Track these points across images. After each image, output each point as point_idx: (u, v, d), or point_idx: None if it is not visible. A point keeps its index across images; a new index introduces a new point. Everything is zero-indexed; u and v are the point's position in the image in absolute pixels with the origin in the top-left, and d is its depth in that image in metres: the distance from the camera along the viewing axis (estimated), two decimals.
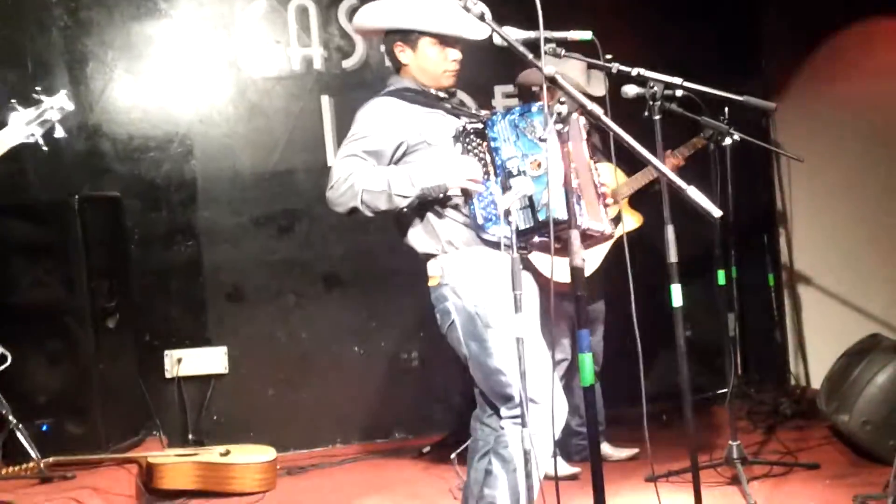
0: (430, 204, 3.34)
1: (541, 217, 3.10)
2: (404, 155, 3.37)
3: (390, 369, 5.97)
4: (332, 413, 5.94)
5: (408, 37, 3.44)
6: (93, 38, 5.64)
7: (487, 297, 3.31)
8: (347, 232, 5.93)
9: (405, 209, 3.30)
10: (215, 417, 5.79)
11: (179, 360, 5.71)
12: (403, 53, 3.45)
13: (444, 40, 3.42)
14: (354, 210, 3.30)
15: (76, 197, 4.99)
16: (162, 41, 5.73)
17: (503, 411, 3.35)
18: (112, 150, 5.68)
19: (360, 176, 3.26)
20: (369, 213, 3.30)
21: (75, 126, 5.54)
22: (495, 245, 3.28)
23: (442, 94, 3.48)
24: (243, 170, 5.87)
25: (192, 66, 5.78)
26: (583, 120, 3.35)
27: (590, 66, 4.26)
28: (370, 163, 3.30)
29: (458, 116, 3.41)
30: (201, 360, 5.75)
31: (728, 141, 4.52)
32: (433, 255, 3.38)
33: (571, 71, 4.59)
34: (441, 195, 3.28)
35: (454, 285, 3.34)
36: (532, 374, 3.25)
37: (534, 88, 4.85)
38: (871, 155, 5.78)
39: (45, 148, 3.58)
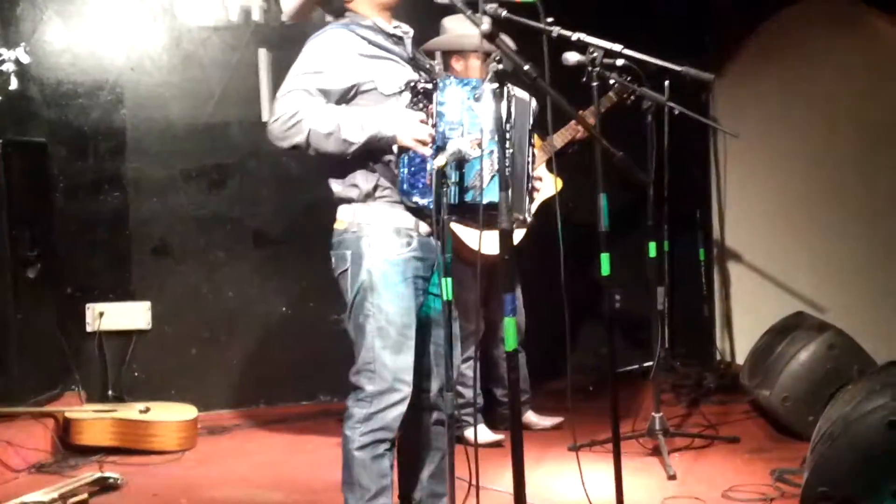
0: (365, 156, 3.26)
1: (467, 199, 3.05)
2: (354, 97, 3.27)
3: (318, 331, 5.89)
4: (256, 373, 5.87)
5: None
6: None
7: (385, 266, 3.25)
8: (279, 189, 5.84)
9: (348, 155, 3.21)
10: (136, 374, 5.69)
11: (101, 314, 5.59)
12: None
13: None
14: (296, 147, 3.18)
15: (0, 141, 4.85)
16: None
17: (353, 386, 3.31)
18: (40, 94, 5.51)
19: (308, 113, 3.14)
20: (312, 153, 3.19)
21: (2, 67, 5.37)
22: (416, 212, 3.23)
23: (399, 34, 3.39)
24: (175, 121, 5.74)
25: (126, 12, 5.63)
26: (534, 103, 3.30)
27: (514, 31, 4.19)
28: (319, 100, 3.20)
29: (413, 67, 3.33)
30: (124, 314, 5.64)
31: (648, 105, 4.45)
32: (348, 201, 3.31)
33: (469, 28, 4.51)
34: (386, 146, 3.20)
35: (359, 238, 3.27)
36: (401, 356, 3.24)
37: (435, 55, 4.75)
38: (805, 135, 5.82)
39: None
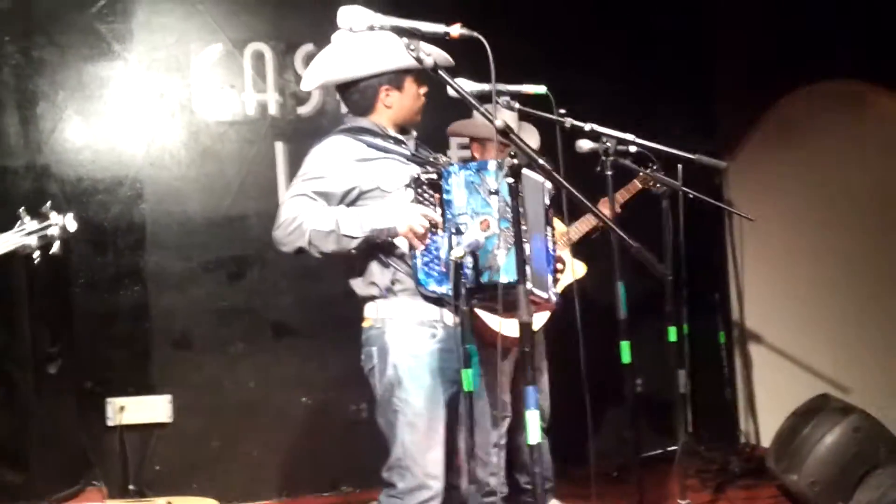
0: (375, 251, 3.29)
1: (483, 280, 3.07)
2: (357, 199, 3.32)
3: (338, 421, 5.87)
4: (278, 465, 5.83)
5: (398, 79, 3.39)
6: (44, 78, 5.56)
7: (410, 360, 3.26)
8: (298, 280, 5.86)
9: (353, 251, 3.24)
10: (158, 468, 5.65)
11: (122, 408, 5.57)
12: (390, 97, 3.41)
13: (419, 76, 3.40)
14: (301, 250, 3.24)
15: None
16: (114, 83, 5.67)
17: (386, 483, 3.29)
18: (60, 191, 5.58)
19: (308, 216, 3.21)
20: (316, 254, 3.24)
21: (23, 166, 5.46)
22: (436, 301, 3.25)
23: (400, 137, 3.44)
24: (194, 214, 5.79)
25: (145, 109, 5.72)
26: (549, 184, 3.33)
27: (531, 119, 4.23)
28: (320, 203, 3.25)
29: (416, 163, 3.37)
30: (145, 408, 5.63)
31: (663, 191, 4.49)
32: (371, 298, 3.33)
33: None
34: (389, 239, 3.23)
35: (383, 333, 3.29)
36: (431, 451, 3.22)
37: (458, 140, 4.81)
38: (820, 214, 5.83)
39: (37, 261, 3.56)
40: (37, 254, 3.53)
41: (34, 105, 5.55)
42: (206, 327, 5.80)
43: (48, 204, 3.64)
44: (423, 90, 3.45)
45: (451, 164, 3.25)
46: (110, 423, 5.59)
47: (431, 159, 3.43)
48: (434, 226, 3.17)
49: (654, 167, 4.23)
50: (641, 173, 4.42)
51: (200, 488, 5.51)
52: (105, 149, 5.67)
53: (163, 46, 5.74)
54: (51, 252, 3.55)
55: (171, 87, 5.76)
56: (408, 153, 3.40)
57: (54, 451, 4.99)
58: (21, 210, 3.53)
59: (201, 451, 5.73)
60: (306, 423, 5.91)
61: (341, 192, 3.29)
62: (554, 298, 3.34)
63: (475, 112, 4.72)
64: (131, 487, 5.54)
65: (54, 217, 3.56)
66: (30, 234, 3.50)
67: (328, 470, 5.92)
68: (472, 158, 4.82)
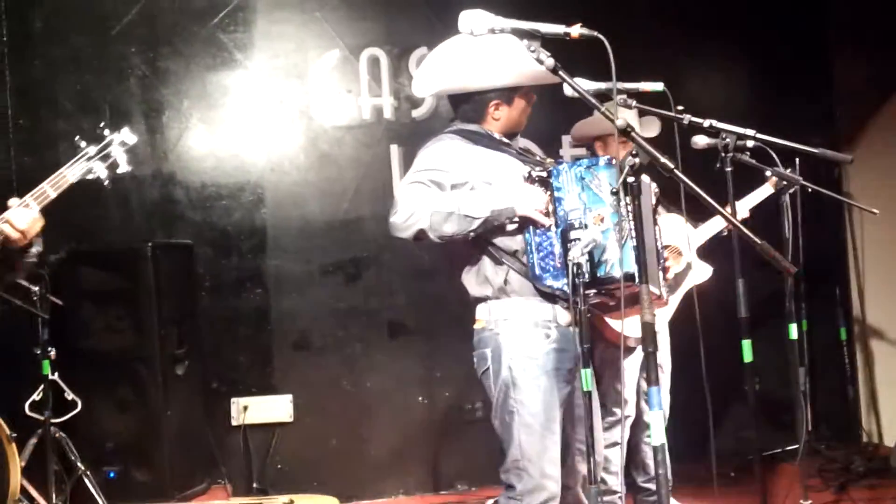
0: (488, 247, 3.32)
1: (599, 273, 3.08)
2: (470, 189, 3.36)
3: (454, 419, 5.94)
4: (395, 463, 5.92)
5: (510, 94, 3.43)
6: (169, 88, 5.76)
7: (526, 361, 3.27)
8: (412, 280, 5.94)
9: (472, 234, 3.26)
10: (280, 466, 5.80)
11: (245, 408, 5.73)
12: (499, 111, 3.44)
13: (529, 91, 3.43)
14: (421, 234, 3.23)
15: (149, 244, 5.08)
16: (236, 91, 5.83)
17: (505, 484, 3.31)
18: (185, 197, 5.77)
19: (427, 199, 3.23)
20: (436, 238, 3.24)
21: (150, 174, 5.66)
22: (551, 297, 3.26)
23: (506, 140, 3.48)
24: (312, 218, 5.92)
25: (265, 116, 5.87)
26: (654, 186, 3.33)
27: (649, 115, 4.22)
28: (435, 190, 3.29)
29: (522, 162, 3.41)
30: (267, 407, 5.77)
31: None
32: (484, 299, 3.36)
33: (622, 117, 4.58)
34: (507, 221, 3.25)
35: (498, 335, 3.31)
36: (547, 452, 3.23)
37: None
38: None
39: (106, 183, 3.60)
40: (105, 174, 3.57)
41: (160, 114, 5.75)
42: (324, 328, 5.93)
43: (101, 124, 3.67)
44: (531, 101, 3.48)
45: (560, 163, 3.27)
46: (234, 422, 5.75)
47: (538, 159, 3.46)
48: (546, 214, 3.19)
49: (777, 167, 4.18)
50: (772, 176, 4.35)
51: (320, 486, 5.62)
52: (227, 156, 5.84)
53: (282, 54, 5.89)
54: (119, 171, 3.59)
55: (290, 93, 5.90)
56: (514, 153, 3.43)
57: (182, 450, 5.13)
58: (76, 138, 3.58)
59: (321, 449, 5.85)
60: (423, 422, 5.99)
61: (453, 184, 3.33)
62: (665, 295, 3.33)
63: (595, 111, 4.78)
64: (255, 485, 5.69)
65: (109, 136, 3.59)
66: (91, 158, 3.55)
67: (444, 468, 5.98)
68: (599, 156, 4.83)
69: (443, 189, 3.30)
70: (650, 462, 5.04)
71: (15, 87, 5.54)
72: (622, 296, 2.91)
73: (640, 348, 3.05)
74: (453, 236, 3.24)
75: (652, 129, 4.56)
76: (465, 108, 3.49)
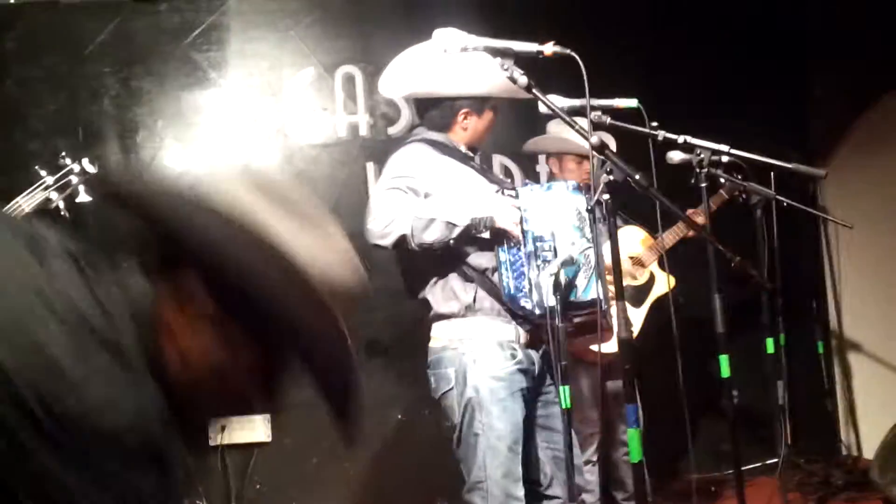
0: (459, 264, 3.31)
1: (571, 298, 3.08)
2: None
3: (432, 437, 5.88)
4: (376, 482, 5.89)
5: (481, 104, 3.43)
6: (143, 108, 5.72)
7: (491, 382, 3.26)
8: (390, 297, 5.88)
9: (451, 241, 3.24)
10: (258, 486, 5.75)
11: (223, 428, 5.69)
12: (467, 120, 3.44)
13: (498, 104, 3.44)
14: (401, 240, 3.22)
15: (125, 265, 5.03)
16: (211, 109, 5.81)
17: (465, 497, 3.30)
18: None
19: (405, 206, 3.22)
20: (415, 245, 3.22)
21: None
22: (514, 317, 3.25)
23: (470, 154, 3.48)
24: None
25: (240, 134, 5.85)
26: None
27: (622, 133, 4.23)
28: (412, 196, 3.28)
29: (486, 178, 3.41)
30: (245, 428, 5.74)
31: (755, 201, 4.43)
32: (448, 317, 3.33)
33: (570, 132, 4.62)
34: (485, 230, 3.24)
35: (462, 354, 3.29)
36: (512, 472, 3.22)
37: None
38: None
39: (64, 213, 3.57)
40: (62, 204, 3.52)
41: (134, 134, 5.72)
42: None
43: (62, 154, 3.63)
44: (496, 116, 3.48)
45: (527, 183, 3.28)
46: (212, 442, 5.70)
47: (500, 178, 3.47)
48: (515, 242, 3.20)
49: (741, 178, 4.19)
50: (726, 184, 4.37)
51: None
52: (204, 173, 5.79)
53: (256, 72, 5.87)
54: (77, 200, 3.54)
55: (264, 111, 5.88)
56: (477, 168, 3.44)
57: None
58: (36, 167, 3.53)
59: (300, 469, 5.81)
60: (401, 440, 5.96)
61: (426, 191, 3.32)
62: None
63: (549, 126, 4.80)
64: None
65: (70, 166, 3.55)
66: (48, 188, 3.52)
67: (424, 485, 5.95)
68: (550, 174, 4.84)
69: (418, 196, 3.29)
70: (628, 480, 5.04)
71: None
72: (599, 319, 2.92)
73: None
74: (433, 244, 3.23)
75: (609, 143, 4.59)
76: (433, 114, 3.48)
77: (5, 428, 1.15)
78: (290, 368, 1.37)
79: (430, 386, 3.41)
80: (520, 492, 3.25)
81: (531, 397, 3.33)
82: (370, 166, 5.95)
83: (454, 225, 3.21)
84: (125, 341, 1.25)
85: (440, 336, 3.34)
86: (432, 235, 3.21)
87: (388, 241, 3.23)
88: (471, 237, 3.25)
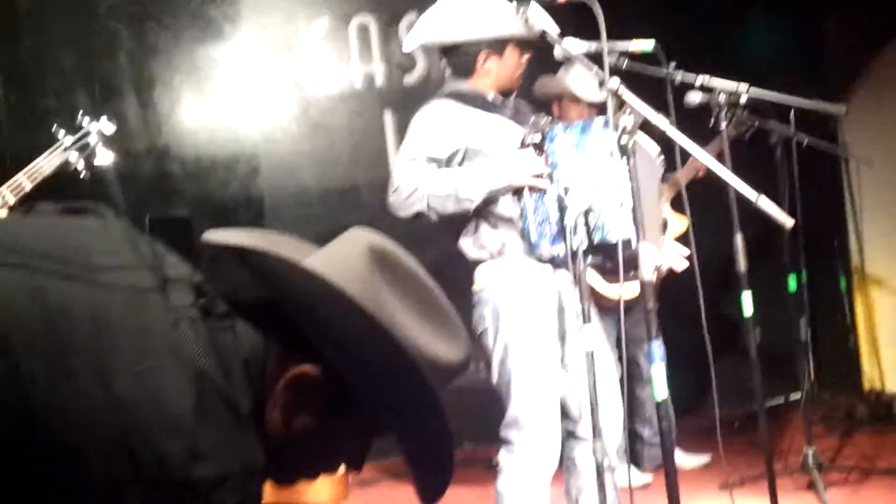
0: (486, 214, 3.34)
1: (596, 239, 3.10)
2: (462, 161, 3.37)
3: (460, 379, 5.95)
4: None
5: (500, 46, 3.42)
6: (159, 62, 5.73)
7: (523, 321, 3.30)
8: (410, 246, 5.82)
9: (470, 212, 3.30)
10: None
11: None
12: (489, 62, 3.44)
13: (522, 44, 3.43)
14: (418, 214, 3.29)
15: (146, 219, 5.08)
16: (226, 63, 5.81)
17: (504, 441, 3.35)
18: (181, 171, 5.76)
19: (424, 179, 3.26)
20: (434, 218, 3.30)
21: (144, 149, 5.65)
22: (549, 261, 3.29)
23: (499, 100, 3.48)
24: (309, 187, 5.92)
25: (256, 87, 5.85)
26: (661, 157, 3.34)
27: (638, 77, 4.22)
28: (432, 167, 3.31)
29: (517, 123, 3.41)
30: None
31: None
32: (481, 262, 3.39)
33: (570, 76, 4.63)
34: (508, 194, 3.28)
35: (496, 296, 3.34)
36: (547, 409, 3.27)
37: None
38: None
39: (83, 174, 3.57)
40: (82, 165, 3.52)
41: (151, 89, 5.72)
42: None
43: (80, 112, 3.63)
44: (526, 58, 3.47)
45: (555, 125, 3.28)
46: None
47: (532, 120, 3.46)
48: (542, 178, 3.21)
49: (763, 114, 4.17)
50: (730, 124, 4.35)
51: None
52: (220, 128, 5.83)
53: (270, 25, 5.86)
54: (95, 162, 3.54)
55: (280, 64, 5.88)
56: (507, 114, 3.43)
57: None
58: (54, 127, 3.53)
59: None
60: None
61: (447, 156, 3.35)
62: (664, 265, 3.37)
63: (558, 75, 4.77)
64: None
65: (87, 126, 3.54)
66: (67, 149, 3.52)
67: (450, 427, 6.02)
68: (554, 117, 4.83)
69: (439, 164, 3.32)
70: (654, 417, 5.09)
71: (4, 66, 5.52)
72: (620, 260, 2.93)
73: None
74: (453, 215, 3.29)
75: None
76: (455, 60, 3.49)
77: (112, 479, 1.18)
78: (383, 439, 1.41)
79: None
80: (555, 428, 3.30)
81: (564, 337, 3.36)
82: (387, 115, 5.95)
83: (471, 200, 3.26)
84: (237, 392, 1.26)
85: (477, 279, 3.41)
86: (448, 209, 3.28)
87: (407, 214, 3.30)
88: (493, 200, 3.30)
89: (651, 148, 3.36)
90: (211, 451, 1.20)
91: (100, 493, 1.18)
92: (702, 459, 5.06)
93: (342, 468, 1.45)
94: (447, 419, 1.40)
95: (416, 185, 3.27)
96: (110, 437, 1.17)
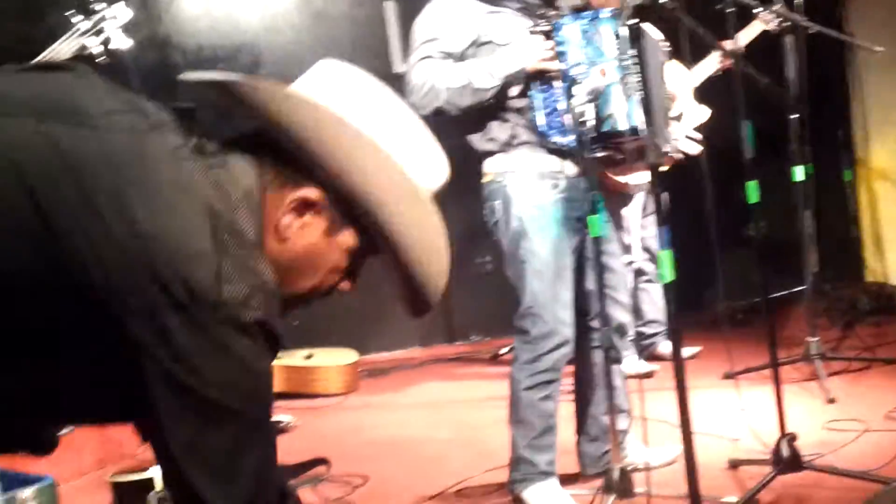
0: (494, 105, 3.32)
1: (604, 128, 3.09)
2: (475, 53, 3.34)
3: (465, 274, 5.99)
4: (409, 318, 5.99)
5: None
6: None
7: (534, 211, 3.30)
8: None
9: (488, 101, 3.28)
10: (297, 322, 5.87)
11: None
12: None
13: None
14: (439, 111, 3.27)
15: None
16: None
17: (519, 330, 3.36)
18: (182, 60, 5.70)
19: (439, 76, 3.25)
20: (454, 112, 3.28)
21: (146, 38, 5.58)
22: (558, 153, 3.28)
23: None
24: None
25: None
26: (665, 43, 3.29)
27: None
28: (447, 62, 3.28)
29: (527, 14, 3.36)
30: None
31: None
32: (490, 153, 3.37)
33: None
34: (522, 81, 3.25)
35: (505, 186, 3.34)
36: (560, 298, 3.28)
37: None
38: None
39: (101, 59, 3.52)
40: (98, 50, 3.48)
41: None
42: None
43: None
44: None
45: (564, 16, 3.23)
46: None
47: (542, 11, 3.41)
48: (550, 77, 3.18)
49: (774, 5, 4.11)
50: (761, 13, 4.29)
51: (339, 340, 5.71)
52: (222, 16, 5.75)
53: None
54: (111, 46, 3.50)
55: None
56: (517, 5, 3.38)
57: None
58: (70, 13, 3.47)
59: (339, 305, 5.89)
60: None
61: (461, 50, 3.32)
62: (671, 152, 3.35)
63: None
64: None
65: (104, 10, 3.49)
66: (83, 34, 3.47)
67: (458, 320, 6.09)
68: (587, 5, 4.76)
69: (453, 57, 3.29)
70: (646, 308, 5.14)
71: None
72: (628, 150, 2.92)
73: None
74: (471, 107, 3.26)
75: None
76: None
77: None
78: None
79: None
80: (568, 318, 3.32)
81: (581, 227, 3.35)
82: (389, 5, 5.85)
83: (486, 89, 3.23)
84: (243, 223, 1.34)
85: (486, 171, 3.39)
86: (467, 101, 3.26)
87: (428, 112, 3.28)
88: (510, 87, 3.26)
89: (656, 35, 3.31)
90: (233, 274, 1.27)
91: (139, 324, 1.24)
92: (690, 351, 5.07)
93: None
94: (443, 235, 1.52)
95: (432, 81, 3.25)
96: (142, 270, 1.24)
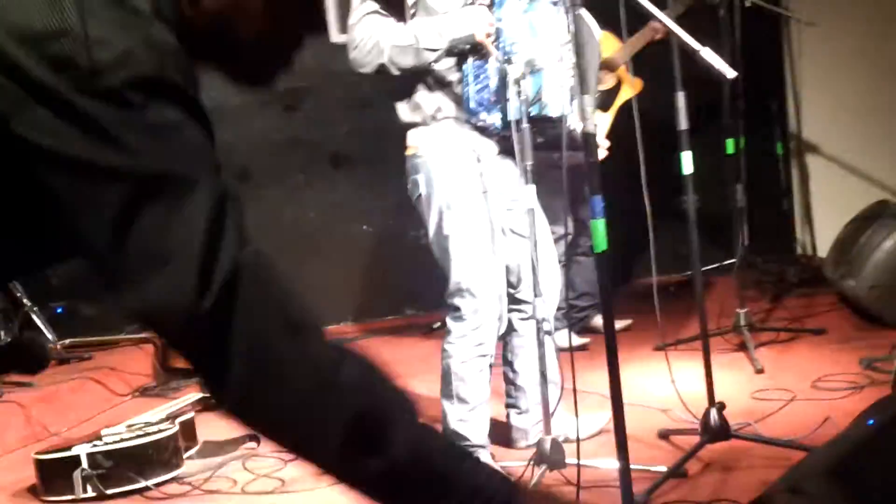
0: (424, 76, 3.29)
1: (533, 112, 3.08)
2: (413, 15, 3.30)
3: (399, 247, 5.98)
4: (342, 292, 5.98)
5: None
6: None
7: (457, 186, 3.29)
8: (353, 109, 5.87)
9: (433, 63, 3.24)
10: None
11: None
12: None
13: None
14: (381, 68, 3.23)
15: None
16: None
17: (450, 307, 3.36)
18: None
19: (384, 32, 3.19)
20: (395, 71, 3.23)
21: None
22: (482, 131, 3.26)
23: None
24: None
25: None
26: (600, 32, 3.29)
27: None
28: (391, 20, 3.23)
29: None
30: None
31: None
32: (414, 125, 3.34)
33: None
34: (468, 46, 3.22)
35: (428, 160, 3.31)
36: (488, 272, 3.28)
37: None
38: (884, 22, 5.67)
39: None
40: None
41: None
42: (264, 160, 5.87)
43: None
44: None
45: None
46: None
47: None
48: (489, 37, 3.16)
49: None
50: None
51: None
52: None
53: None
54: None
55: None
56: None
57: None
58: None
59: None
60: (368, 251, 6.04)
61: (403, 8, 3.27)
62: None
63: None
64: None
65: None
66: None
67: (392, 294, 6.07)
68: None
69: (398, 13, 3.24)
70: (577, 279, 5.15)
71: None
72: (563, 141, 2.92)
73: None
74: (413, 68, 3.22)
75: None
76: None
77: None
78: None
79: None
80: (497, 292, 3.32)
81: (503, 204, 3.35)
82: None
83: (432, 50, 3.19)
84: None
85: (410, 144, 3.35)
86: (410, 61, 3.21)
87: (369, 70, 3.23)
88: (451, 55, 3.23)
89: (591, 20, 3.30)
90: (105, 38, 1.13)
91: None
92: (622, 324, 5.10)
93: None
94: None
95: (377, 38, 3.19)
96: None
